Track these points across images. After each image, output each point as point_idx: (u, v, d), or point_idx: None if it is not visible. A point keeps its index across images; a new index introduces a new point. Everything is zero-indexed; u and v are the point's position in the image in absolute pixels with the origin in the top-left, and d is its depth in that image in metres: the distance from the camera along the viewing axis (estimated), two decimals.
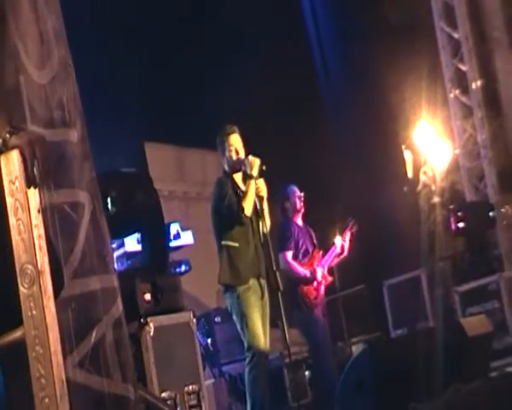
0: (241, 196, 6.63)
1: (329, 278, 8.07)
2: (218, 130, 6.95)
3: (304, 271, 7.86)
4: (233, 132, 6.84)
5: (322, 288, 7.95)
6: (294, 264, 7.82)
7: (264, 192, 6.65)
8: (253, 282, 6.54)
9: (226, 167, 6.85)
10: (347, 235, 8.25)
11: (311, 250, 8.07)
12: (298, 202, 8.08)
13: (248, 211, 6.55)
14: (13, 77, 3.15)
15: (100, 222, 3.47)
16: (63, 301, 3.07)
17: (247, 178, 6.69)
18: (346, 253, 8.20)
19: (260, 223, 6.61)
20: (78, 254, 3.23)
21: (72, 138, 3.43)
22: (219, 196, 6.71)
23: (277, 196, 8.03)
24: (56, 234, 3.11)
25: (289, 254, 7.87)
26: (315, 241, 8.20)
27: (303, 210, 8.11)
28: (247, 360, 6.38)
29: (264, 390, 6.38)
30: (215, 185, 6.91)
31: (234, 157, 6.72)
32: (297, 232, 7.97)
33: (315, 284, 7.85)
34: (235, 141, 6.81)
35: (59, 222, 3.18)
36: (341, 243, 8.23)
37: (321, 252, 8.10)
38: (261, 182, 6.66)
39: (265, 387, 6.39)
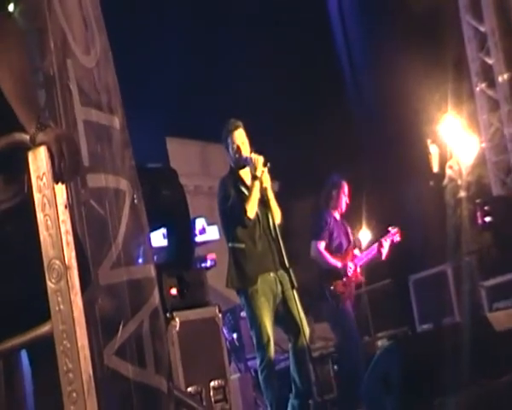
0: (245, 194, 6.53)
1: (361, 278, 7.97)
2: (223, 125, 6.86)
3: (335, 262, 7.75)
4: (236, 128, 6.74)
5: (353, 285, 7.86)
6: (326, 254, 7.71)
7: (267, 183, 6.52)
8: (264, 278, 6.45)
9: (232, 164, 6.77)
10: (387, 241, 8.11)
11: (345, 245, 7.95)
12: (343, 199, 7.98)
13: (252, 213, 6.44)
14: (43, 70, 3.18)
15: (139, 211, 3.50)
16: (102, 291, 3.09)
17: (251, 178, 6.56)
18: (383, 258, 8.09)
19: (270, 216, 6.52)
20: (119, 242, 3.26)
21: (115, 125, 3.47)
22: (223, 198, 6.61)
23: (326, 183, 7.98)
24: (94, 223, 3.14)
25: (322, 245, 7.76)
26: (351, 237, 8.10)
27: (344, 209, 8.04)
28: (258, 361, 6.36)
29: (277, 389, 6.36)
30: (218, 187, 6.78)
31: (237, 155, 6.63)
32: (332, 224, 7.84)
33: (344, 279, 7.74)
34: (239, 137, 6.70)
35: (101, 210, 3.21)
36: (380, 248, 8.09)
37: (356, 249, 8.01)
38: (254, 156, 6.53)
39: (278, 385, 6.37)
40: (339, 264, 7.77)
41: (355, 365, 7.47)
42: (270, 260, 6.49)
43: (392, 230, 8.20)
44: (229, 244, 6.57)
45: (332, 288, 7.64)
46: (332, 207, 7.94)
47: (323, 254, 7.70)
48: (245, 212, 6.41)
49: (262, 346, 6.28)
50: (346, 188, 8.02)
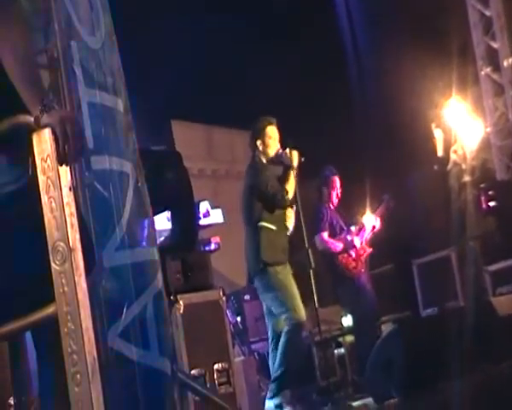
0: (280, 181, 6.87)
1: (369, 250, 8.19)
2: (255, 121, 7.15)
3: (340, 244, 8.10)
4: (270, 124, 7.05)
5: (363, 259, 8.07)
6: (330, 240, 7.98)
7: (294, 161, 6.90)
8: (288, 266, 6.80)
9: (263, 159, 6.97)
10: (379, 211, 8.31)
11: (345, 227, 8.29)
12: (333, 195, 8.17)
13: (291, 195, 6.83)
14: (47, 51, 3.17)
15: (143, 194, 3.50)
16: (106, 273, 3.10)
17: (286, 169, 6.93)
18: (378, 227, 8.29)
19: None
20: (123, 225, 3.26)
21: (119, 107, 3.47)
22: (262, 178, 6.88)
23: (318, 177, 8.14)
24: (98, 206, 3.14)
25: (325, 234, 8.03)
26: (346, 223, 8.36)
27: (336, 203, 8.24)
28: (286, 329, 6.56)
29: (297, 358, 6.67)
30: (254, 167, 7.05)
31: (271, 150, 6.94)
32: (329, 214, 8.11)
33: (353, 254, 7.97)
34: (273, 133, 6.96)
35: (105, 193, 3.21)
36: (371, 221, 8.27)
37: (353, 227, 8.24)
38: (293, 152, 6.92)
39: (298, 357, 6.70)
40: (342, 244, 8.10)
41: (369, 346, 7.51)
42: (287, 250, 6.90)
43: (384, 199, 8.38)
44: (260, 224, 6.81)
45: (344, 266, 7.81)
46: (325, 202, 8.27)
47: (329, 242, 8.03)
48: (286, 192, 6.80)
49: (294, 309, 6.55)
50: (336, 182, 8.20)
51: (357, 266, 8.01)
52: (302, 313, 6.60)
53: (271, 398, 6.66)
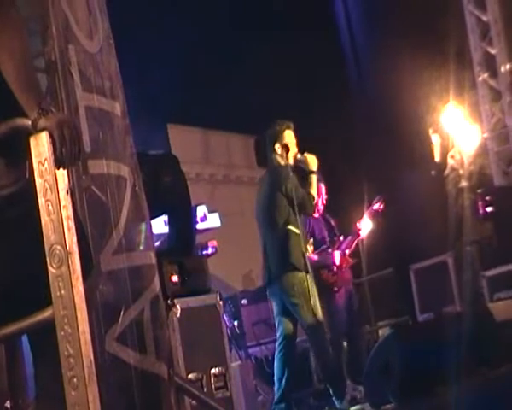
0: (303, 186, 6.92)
1: (351, 261, 8.01)
2: (271, 124, 7.16)
3: (320, 258, 7.82)
4: (288, 128, 7.09)
5: (345, 271, 7.89)
6: (311, 254, 7.74)
7: (313, 166, 6.97)
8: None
9: (281, 162, 7.00)
10: (366, 215, 8.14)
11: (327, 239, 8.04)
12: (319, 203, 8.04)
13: (315, 199, 6.94)
14: (45, 55, 3.17)
15: (140, 198, 3.50)
16: (103, 277, 3.10)
17: (307, 174, 6.98)
18: (362, 235, 8.12)
19: None
20: (120, 229, 3.26)
21: (116, 111, 3.47)
22: (288, 185, 6.88)
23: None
24: (95, 209, 3.14)
25: None
26: (335, 229, 8.19)
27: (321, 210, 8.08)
28: (315, 332, 6.76)
29: (328, 354, 6.76)
30: (277, 172, 7.04)
31: (288, 153, 6.96)
32: (312, 224, 7.93)
33: (334, 268, 7.79)
34: (290, 137, 7.02)
35: (102, 197, 3.21)
36: (368, 226, 8.16)
37: (342, 237, 8.04)
38: (309, 156, 6.99)
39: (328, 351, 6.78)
40: (324, 258, 7.85)
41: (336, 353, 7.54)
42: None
43: (376, 200, 8.23)
44: (288, 227, 6.88)
45: (323, 281, 7.63)
46: None
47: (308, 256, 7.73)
48: (313, 198, 6.90)
49: (318, 315, 6.69)
50: (322, 189, 8.07)
51: (336, 281, 7.83)
52: (320, 315, 6.74)
53: (341, 402, 6.73)
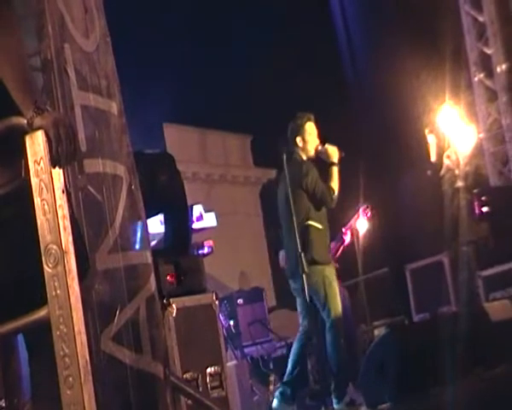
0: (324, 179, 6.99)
1: (335, 265, 7.94)
2: (294, 117, 7.20)
3: None
4: (309, 120, 7.14)
5: None
6: None
7: (335, 157, 7.03)
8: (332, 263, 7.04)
9: (303, 156, 7.06)
10: (352, 222, 8.06)
11: None
12: None
13: (336, 192, 6.97)
14: (41, 53, 3.16)
15: (136, 198, 3.49)
16: (99, 276, 3.09)
17: (329, 166, 7.04)
18: (347, 242, 8.04)
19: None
20: (116, 228, 3.26)
21: (113, 110, 3.46)
22: (308, 179, 6.95)
23: None
24: (91, 209, 3.13)
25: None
26: None
27: None
28: (332, 328, 6.81)
29: (344, 350, 6.85)
30: (299, 165, 7.06)
31: (312, 149, 7.04)
32: None
33: None
34: (312, 129, 7.10)
35: (98, 196, 3.20)
36: (363, 226, 8.13)
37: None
38: (330, 147, 7.06)
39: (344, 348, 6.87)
40: None
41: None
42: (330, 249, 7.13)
43: (361, 207, 8.17)
44: (308, 222, 6.93)
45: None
46: None
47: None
48: (333, 191, 6.94)
49: (336, 315, 6.81)
50: None
51: None
52: (340, 310, 6.84)
53: (339, 401, 6.80)
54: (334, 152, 7.04)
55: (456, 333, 5.76)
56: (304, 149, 7.06)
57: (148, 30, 10.46)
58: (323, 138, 7.17)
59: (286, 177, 7.03)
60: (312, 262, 6.85)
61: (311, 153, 7.08)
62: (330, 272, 6.95)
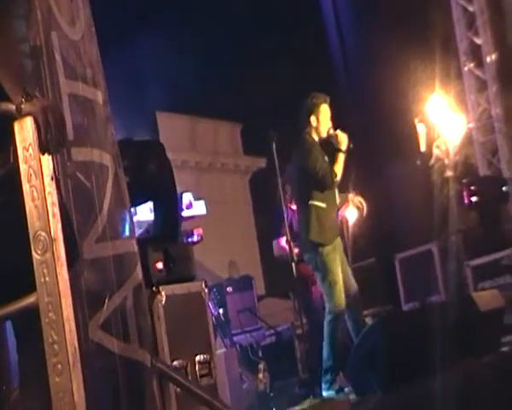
0: (327, 162, 6.98)
1: None
2: (309, 96, 7.19)
3: (300, 249, 7.66)
4: (324, 102, 7.13)
5: None
6: (286, 246, 7.63)
7: (343, 145, 7.01)
8: (336, 241, 6.99)
9: (314, 135, 7.07)
10: (342, 211, 8.05)
11: None
12: None
13: (339, 177, 6.98)
14: (30, 40, 3.14)
15: (121, 187, 3.48)
16: (87, 264, 3.08)
17: (336, 152, 7.03)
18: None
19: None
20: (104, 216, 3.25)
21: (98, 100, 3.45)
22: (311, 159, 6.97)
23: (283, 177, 7.90)
24: (80, 196, 3.12)
25: (283, 240, 7.78)
26: None
27: None
28: (328, 311, 6.82)
29: (340, 343, 6.84)
30: (304, 145, 7.11)
31: (324, 130, 7.04)
32: (290, 216, 7.84)
33: None
34: (326, 111, 7.11)
35: (87, 183, 3.19)
36: (353, 215, 8.13)
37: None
38: (340, 133, 7.06)
39: (340, 338, 6.87)
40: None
41: (317, 345, 7.55)
42: (338, 226, 7.15)
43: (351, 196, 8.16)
44: (310, 202, 6.95)
45: (300, 274, 7.55)
46: (287, 201, 7.85)
47: (285, 248, 7.67)
48: (335, 175, 6.93)
49: (337, 301, 6.78)
50: None
51: (313, 274, 7.80)
52: (341, 301, 6.79)
53: (329, 388, 6.82)
54: (343, 139, 7.04)
55: (445, 322, 5.78)
56: (317, 128, 7.07)
57: (139, 19, 10.44)
58: (335, 125, 7.18)
59: (294, 157, 7.11)
60: (310, 243, 6.93)
61: (323, 134, 7.09)
62: (331, 251, 6.90)
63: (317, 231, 6.92)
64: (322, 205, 6.96)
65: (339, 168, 7.00)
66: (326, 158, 7.06)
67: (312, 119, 7.07)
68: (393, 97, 11.04)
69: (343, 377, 7.04)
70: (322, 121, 7.09)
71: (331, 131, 7.10)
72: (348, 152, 7.08)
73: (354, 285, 7.06)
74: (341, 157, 7.02)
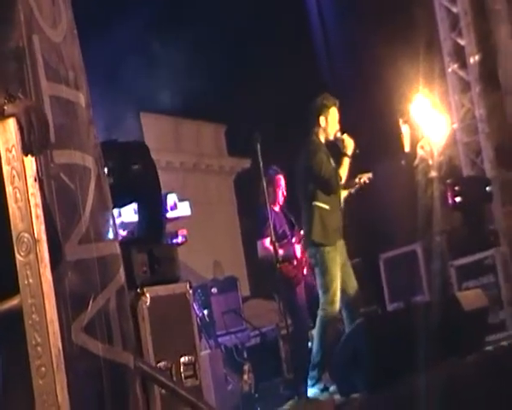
0: (332, 165, 7.08)
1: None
2: (319, 98, 7.27)
3: (284, 251, 7.76)
4: (334, 105, 7.22)
5: (305, 265, 7.85)
6: (271, 247, 7.48)
7: (349, 149, 7.10)
8: (338, 243, 7.07)
9: (321, 136, 7.15)
10: None
11: (289, 232, 8.07)
12: (279, 194, 8.04)
13: (343, 180, 7.09)
14: (13, 41, 3.13)
15: (104, 189, 3.48)
16: (70, 266, 3.07)
17: (342, 155, 7.13)
18: None
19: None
20: (86, 219, 3.24)
21: (81, 102, 3.45)
22: (316, 161, 7.05)
23: (267, 178, 7.84)
24: (64, 198, 3.11)
25: (267, 241, 7.72)
26: (294, 223, 8.16)
27: (282, 202, 8.11)
28: (322, 313, 6.91)
29: (330, 341, 6.86)
30: (310, 146, 7.18)
31: (332, 132, 7.13)
32: (273, 217, 7.79)
33: (294, 262, 7.80)
34: (335, 114, 7.19)
35: (71, 185, 3.18)
36: None
37: (302, 231, 7.90)
38: (347, 138, 7.15)
39: (332, 339, 6.88)
40: (285, 250, 7.80)
41: (302, 346, 7.56)
42: (341, 228, 7.15)
43: None
44: (314, 203, 7.04)
45: (284, 274, 7.52)
46: (270, 203, 7.72)
47: (269, 249, 7.60)
48: (340, 178, 7.03)
49: (330, 301, 6.87)
50: (281, 181, 8.08)
51: (297, 275, 7.79)
52: (336, 305, 6.88)
53: (314, 385, 6.88)
54: (350, 144, 7.13)
55: (429, 322, 5.80)
56: (325, 130, 7.14)
57: (123, 19, 10.41)
58: (341, 129, 7.27)
59: (300, 157, 7.17)
60: (311, 244, 7.04)
61: (331, 136, 7.17)
62: (332, 250, 6.98)
63: (319, 232, 7.00)
64: (326, 207, 7.04)
65: (344, 172, 7.09)
66: (332, 161, 7.14)
67: (322, 119, 7.14)
68: (378, 98, 11.06)
69: (328, 377, 7.05)
70: (331, 123, 7.17)
71: (338, 135, 7.17)
72: (353, 157, 7.15)
73: (355, 287, 7.13)
74: (347, 161, 7.11)
